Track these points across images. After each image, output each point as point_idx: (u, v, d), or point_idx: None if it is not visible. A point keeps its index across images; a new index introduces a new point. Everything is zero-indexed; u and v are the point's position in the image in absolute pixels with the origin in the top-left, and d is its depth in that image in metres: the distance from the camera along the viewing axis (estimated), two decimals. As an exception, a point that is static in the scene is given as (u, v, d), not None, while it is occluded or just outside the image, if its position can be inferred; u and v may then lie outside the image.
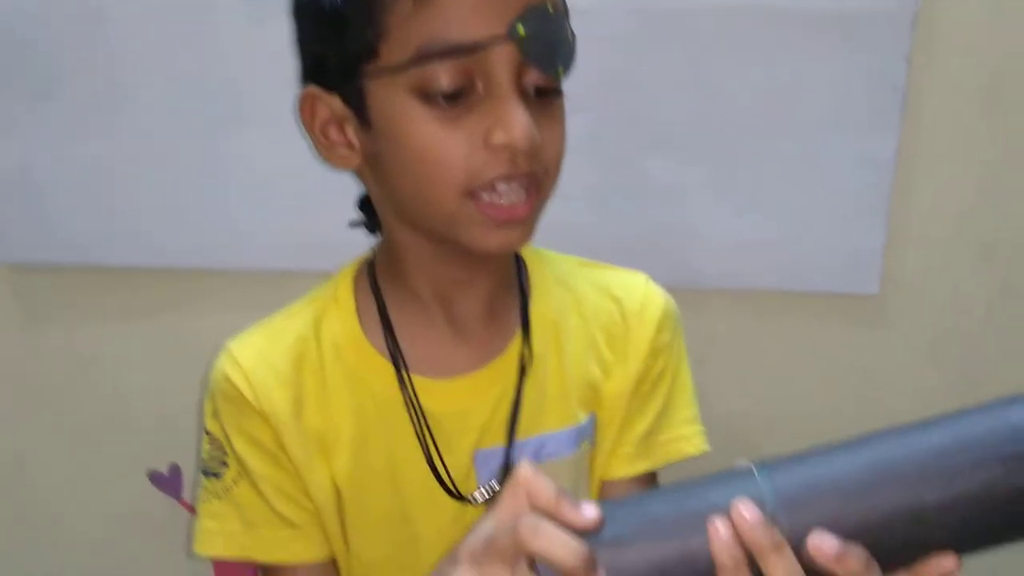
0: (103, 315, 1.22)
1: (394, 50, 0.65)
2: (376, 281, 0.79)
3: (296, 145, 0.84)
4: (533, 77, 0.67)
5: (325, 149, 0.73)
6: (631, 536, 0.50)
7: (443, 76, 0.64)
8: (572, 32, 0.70)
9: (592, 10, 1.07)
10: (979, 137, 1.16)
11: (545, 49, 0.66)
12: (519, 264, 0.82)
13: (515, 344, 0.78)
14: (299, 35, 0.73)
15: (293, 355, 0.77)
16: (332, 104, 0.70)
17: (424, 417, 0.76)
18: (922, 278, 1.21)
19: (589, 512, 0.50)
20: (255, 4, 1.07)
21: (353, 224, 0.83)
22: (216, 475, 0.78)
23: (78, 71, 1.10)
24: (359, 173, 0.75)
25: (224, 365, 0.77)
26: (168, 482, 1.27)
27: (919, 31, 1.10)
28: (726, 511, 0.48)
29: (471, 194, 0.67)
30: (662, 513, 0.51)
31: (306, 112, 0.72)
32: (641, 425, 0.82)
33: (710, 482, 0.52)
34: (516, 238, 0.70)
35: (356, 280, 0.80)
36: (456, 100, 0.66)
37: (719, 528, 0.48)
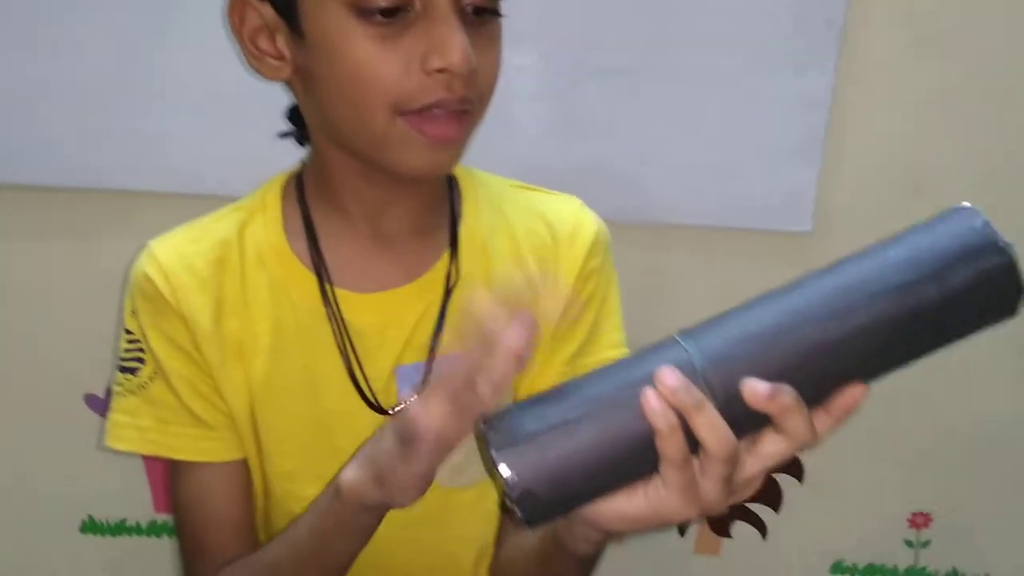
0: (25, 234, 1.17)
1: None
2: (303, 192, 0.78)
3: (232, 62, 0.82)
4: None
5: (254, 59, 0.71)
6: (576, 416, 0.53)
7: (383, 3, 0.63)
8: None
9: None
10: (913, 75, 1.17)
11: None
12: (451, 184, 0.82)
13: (442, 262, 0.79)
14: None
15: (213, 258, 0.77)
16: (263, 12, 0.69)
17: (346, 328, 0.76)
18: (855, 216, 1.22)
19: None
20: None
21: (282, 135, 0.82)
22: (132, 372, 0.78)
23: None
24: (289, 84, 0.74)
25: (144, 263, 0.77)
26: (106, 405, 1.24)
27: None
28: (651, 380, 0.52)
29: (403, 115, 0.66)
30: (601, 391, 0.54)
31: (235, 18, 0.70)
32: (569, 347, 0.82)
33: (642, 356, 0.55)
34: (445, 160, 0.70)
35: (284, 190, 0.80)
36: (393, 17, 0.64)
37: (649, 398, 0.51)
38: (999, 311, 0.53)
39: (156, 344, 0.76)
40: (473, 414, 0.55)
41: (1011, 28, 1.15)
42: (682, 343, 0.54)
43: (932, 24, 1.15)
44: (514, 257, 0.81)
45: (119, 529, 1.30)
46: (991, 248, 0.52)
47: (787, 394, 0.51)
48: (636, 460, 0.54)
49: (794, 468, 1.34)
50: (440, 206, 0.81)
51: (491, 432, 0.54)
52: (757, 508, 1.36)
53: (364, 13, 0.64)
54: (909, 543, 1.39)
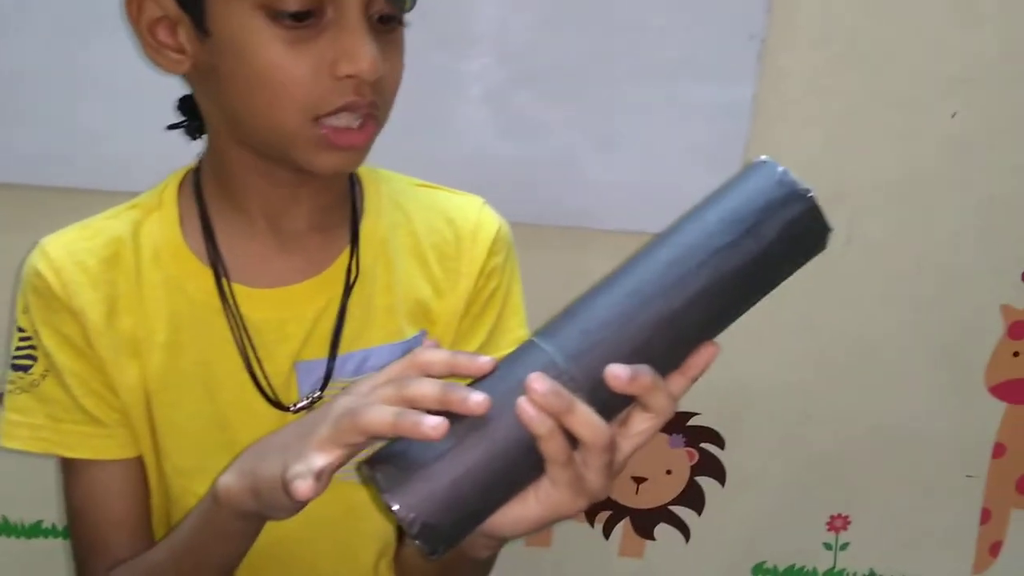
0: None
1: None
2: (200, 189, 0.78)
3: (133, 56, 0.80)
4: (379, 6, 0.67)
5: (152, 50, 0.70)
6: (458, 439, 0.54)
7: (294, 8, 0.64)
8: None
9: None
10: (832, 87, 1.21)
11: None
12: (353, 181, 0.83)
13: (343, 258, 0.79)
14: None
15: (106, 255, 0.76)
16: (163, 3, 0.68)
17: (243, 323, 0.76)
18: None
19: (477, 396, 0.53)
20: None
21: (171, 126, 0.81)
22: (24, 369, 0.77)
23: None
24: (188, 78, 0.74)
25: (35, 260, 0.76)
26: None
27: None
28: (523, 390, 0.54)
29: (313, 118, 0.67)
30: None
31: (132, 8, 0.69)
32: (472, 344, 0.83)
33: (509, 364, 0.57)
34: (351, 162, 0.71)
35: (181, 187, 0.79)
36: (304, 22, 0.65)
37: (524, 407, 0.53)
38: (812, 248, 0.58)
39: (48, 340, 0.75)
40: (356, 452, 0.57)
41: (925, 41, 1.20)
42: (541, 345, 0.56)
43: (851, 39, 1.19)
44: (415, 254, 0.82)
45: (34, 531, 1.27)
46: (793, 196, 0.56)
47: (645, 374, 0.54)
48: (523, 467, 0.55)
49: (716, 471, 1.37)
50: (341, 203, 0.81)
51: (379, 474, 0.55)
52: (680, 510, 1.39)
53: (276, 16, 0.64)
54: (828, 545, 1.42)
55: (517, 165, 1.16)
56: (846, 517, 1.41)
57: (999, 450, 1.39)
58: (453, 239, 0.83)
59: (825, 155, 1.23)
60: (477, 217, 0.84)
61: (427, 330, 0.82)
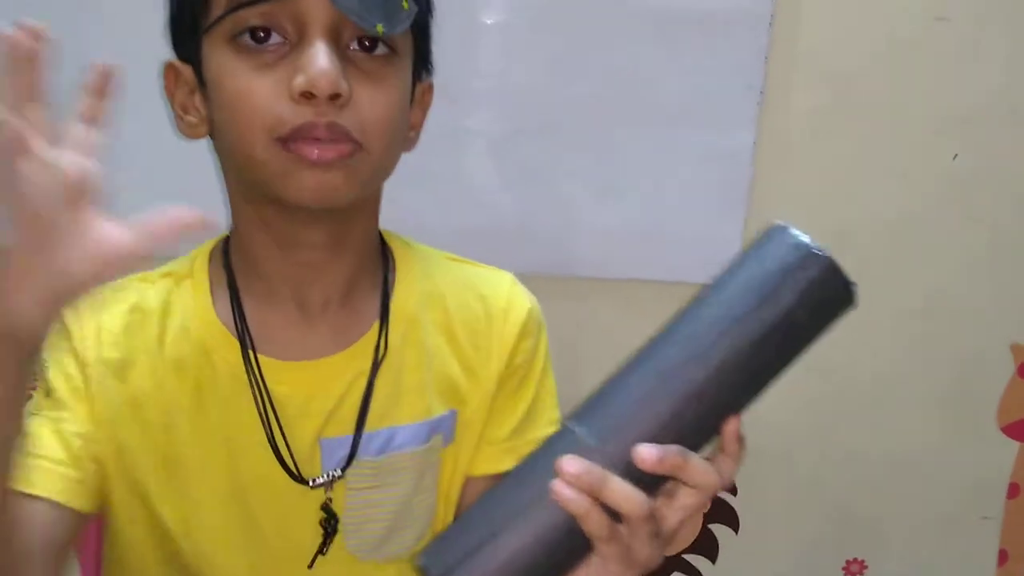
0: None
1: (218, 5, 0.67)
2: (229, 258, 0.78)
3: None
4: (352, 32, 0.67)
5: (179, 120, 0.73)
6: (500, 527, 0.56)
7: (251, 21, 0.66)
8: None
9: (470, 4, 1.08)
10: (830, 132, 1.22)
11: (360, 4, 0.65)
12: (385, 256, 0.82)
13: (371, 334, 0.78)
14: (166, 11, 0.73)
15: (127, 321, 0.75)
16: (186, 74, 0.71)
17: (268, 396, 0.75)
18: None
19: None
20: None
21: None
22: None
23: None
24: (211, 142, 0.75)
25: None
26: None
27: (775, 31, 1.14)
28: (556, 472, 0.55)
29: (280, 141, 0.66)
30: (517, 497, 0.58)
31: (168, 84, 0.73)
32: (507, 425, 0.82)
33: (542, 450, 0.58)
34: (331, 184, 0.67)
35: (212, 256, 0.79)
36: (266, 47, 0.66)
37: (559, 489, 0.54)
38: (838, 307, 0.58)
39: (52, 371, 0.73)
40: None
41: (922, 83, 1.21)
42: (573, 428, 0.58)
43: (848, 83, 1.20)
44: (445, 330, 0.81)
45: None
46: (809, 258, 0.56)
47: (674, 454, 0.55)
48: (568, 548, 0.57)
49: (729, 518, 1.36)
50: (370, 275, 0.80)
51: (429, 565, 0.57)
52: (694, 558, 1.37)
53: (240, 46, 0.66)
54: (845, 590, 1.41)
55: (518, 215, 1.17)
56: (862, 561, 1.39)
57: (1014, 490, 1.37)
58: (484, 316, 0.82)
59: (827, 197, 1.24)
60: (508, 295, 0.83)
61: (457, 409, 0.81)
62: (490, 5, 1.10)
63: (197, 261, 0.79)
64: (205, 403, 0.75)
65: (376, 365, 0.77)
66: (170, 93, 0.73)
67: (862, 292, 1.41)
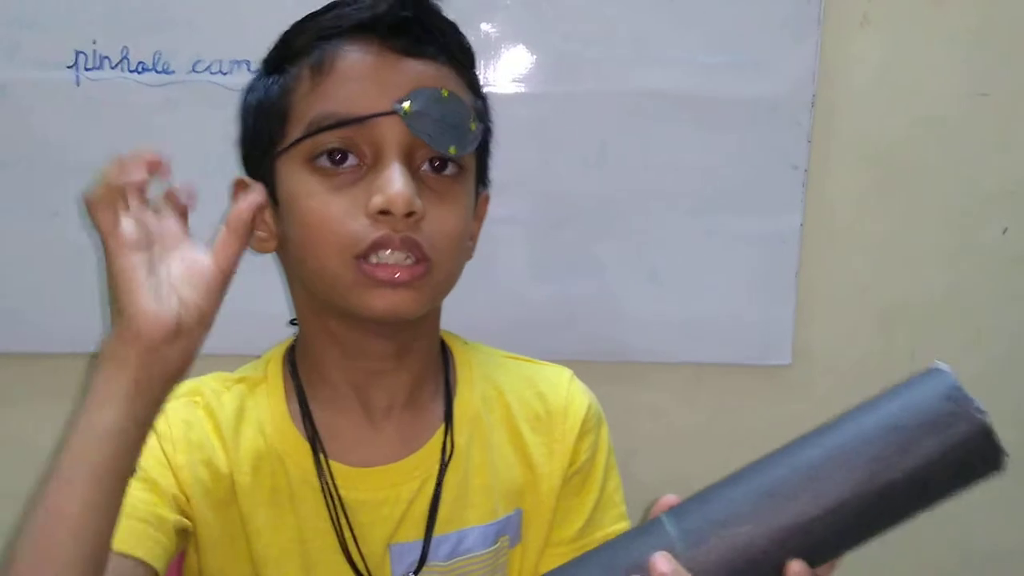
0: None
1: (295, 128, 0.70)
2: (295, 365, 0.80)
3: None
4: (424, 153, 0.70)
5: (252, 239, 0.73)
6: None
7: (330, 144, 0.69)
8: (477, 119, 0.73)
9: (506, 96, 1.11)
10: (876, 211, 1.22)
11: (433, 127, 0.69)
12: (446, 357, 0.83)
13: (437, 437, 0.78)
14: (239, 131, 0.77)
15: (205, 422, 0.76)
16: (256, 189, 0.72)
17: (341, 503, 0.75)
18: (831, 348, 1.25)
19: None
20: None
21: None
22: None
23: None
24: (280, 259, 0.77)
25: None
26: None
27: (817, 114, 1.16)
28: (645, 566, 0.53)
29: (356, 258, 0.68)
30: None
31: (239, 191, 0.75)
32: (574, 525, 0.82)
33: (629, 541, 0.57)
34: (401, 303, 0.70)
35: (285, 360, 0.81)
36: (344, 168, 0.69)
37: None
38: (980, 471, 0.53)
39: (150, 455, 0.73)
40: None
41: (967, 157, 1.21)
42: (668, 526, 0.56)
43: (892, 161, 1.21)
44: (508, 428, 0.81)
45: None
46: (962, 415, 0.52)
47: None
48: None
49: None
50: (432, 379, 0.81)
51: None
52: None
53: (317, 167, 0.69)
54: None
55: (561, 304, 1.18)
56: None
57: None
58: (545, 414, 0.82)
59: (877, 278, 1.23)
60: (567, 392, 0.84)
61: (523, 509, 0.81)
62: (530, 97, 1.13)
63: (271, 366, 0.81)
64: (280, 504, 0.76)
65: (443, 468, 0.77)
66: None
67: (916, 368, 1.38)
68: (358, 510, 0.76)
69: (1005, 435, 1.31)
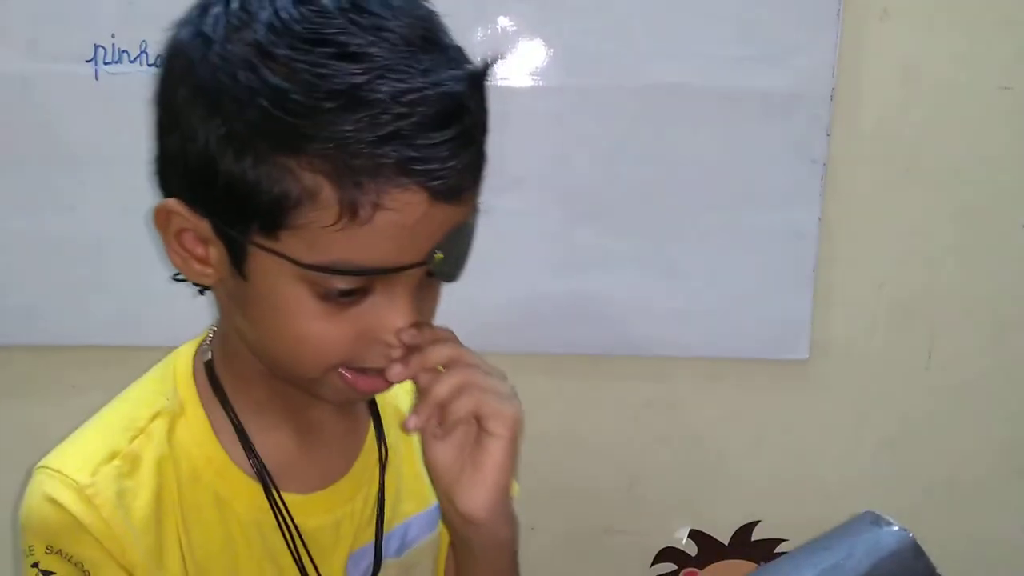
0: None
1: (299, 247, 0.58)
2: (216, 384, 0.71)
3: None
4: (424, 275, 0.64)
5: (177, 255, 0.64)
6: None
7: (346, 286, 0.60)
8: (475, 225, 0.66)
9: (523, 89, 1.11)
10: (894, 206, 1.21)
11: (453, 266, 0.64)
12: None
13: (370, 440, 0.77)
14: (175, 152, 0.63)
15: (151, 494, 0.67)
16: (198, 225, 0.62)
17: (300, 536, 0.71)
18: (848, 342, 1.25)
19: None
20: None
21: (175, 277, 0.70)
22: None
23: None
24: (211, 286, 0.68)
25: (55, 491, 0.64)
26: None
27: (836, 107, 1.15)
28: None
29: (340, 366, 0.64)
30: None
31: (161, 218, 0.63)
32: None
33: None
34: (366, 398, 0.74)
35: (199, 388, 0.71)
36: (350, 298, 0.61)
37: None
38: None
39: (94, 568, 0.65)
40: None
41: (987, 152, 1.21)
42: None
43: (912, 155, 1.20)
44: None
45: None
46: (889, 533, 0.53)
47: None
48: None
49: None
50: None
51: None
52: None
53: (322, 295, 0.60)
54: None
55: (575, 297, 1.17)
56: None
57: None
58: None
59: (895, 272, 1.23)
60: None
61: None
62: (547, 91, 1.13)
63: (185, 396, 0.71)
64: (235, 554, 0.71)
65: (383, 469, 0.76)
66: (161, 224, 0.63)
67: (937, 368, 1.38)
68: (319, 536, 0.72)
69: (1022, 430, 1.32)
